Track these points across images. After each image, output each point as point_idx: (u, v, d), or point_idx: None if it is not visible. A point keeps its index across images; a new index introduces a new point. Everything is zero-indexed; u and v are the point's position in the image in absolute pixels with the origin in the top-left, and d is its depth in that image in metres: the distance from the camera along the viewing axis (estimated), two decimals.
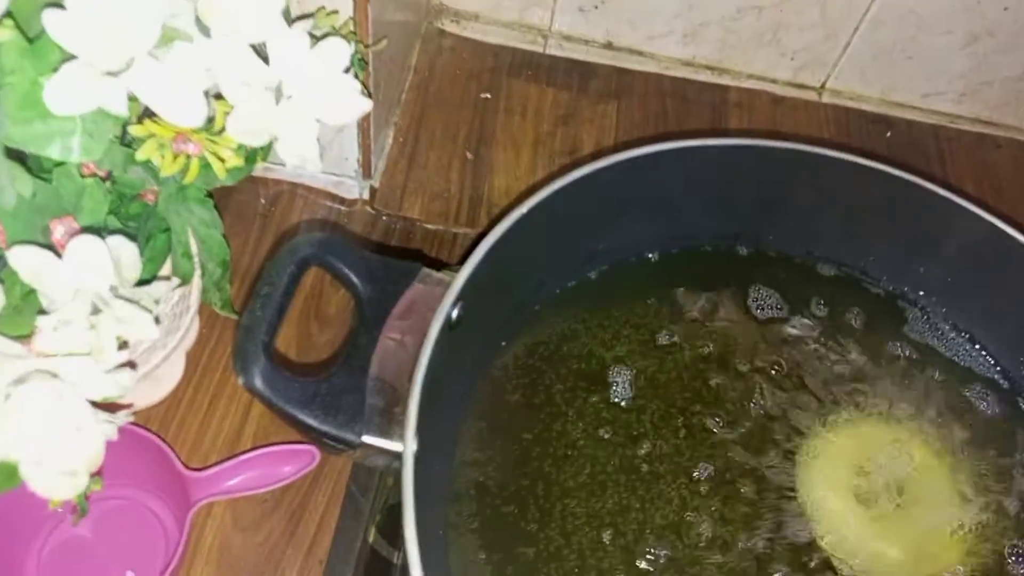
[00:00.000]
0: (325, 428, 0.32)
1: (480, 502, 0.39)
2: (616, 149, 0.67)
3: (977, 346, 0.47)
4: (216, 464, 0.46)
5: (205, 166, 0.43)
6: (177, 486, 0.44)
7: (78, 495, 0.30)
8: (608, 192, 0.43)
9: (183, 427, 0.51)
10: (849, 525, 0.40)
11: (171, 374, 0.52)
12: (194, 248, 0.46)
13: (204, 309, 0.54)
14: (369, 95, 0.41)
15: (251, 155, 0.44)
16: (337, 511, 0.49)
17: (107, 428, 0.30)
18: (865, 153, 0.45)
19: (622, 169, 0.42)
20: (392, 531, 0.47)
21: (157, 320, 0.32)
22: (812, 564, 0.39)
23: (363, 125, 0.56)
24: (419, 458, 0.33)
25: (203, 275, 0.47)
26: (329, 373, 0.34)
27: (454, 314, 0.37)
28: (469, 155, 0.63)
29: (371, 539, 0.47)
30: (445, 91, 0.66)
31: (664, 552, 0.38)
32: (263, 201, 0.60)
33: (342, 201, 0.61)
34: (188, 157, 0.41)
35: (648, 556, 0.38)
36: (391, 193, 0.61)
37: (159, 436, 0.46)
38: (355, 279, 0.36)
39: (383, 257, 0.37)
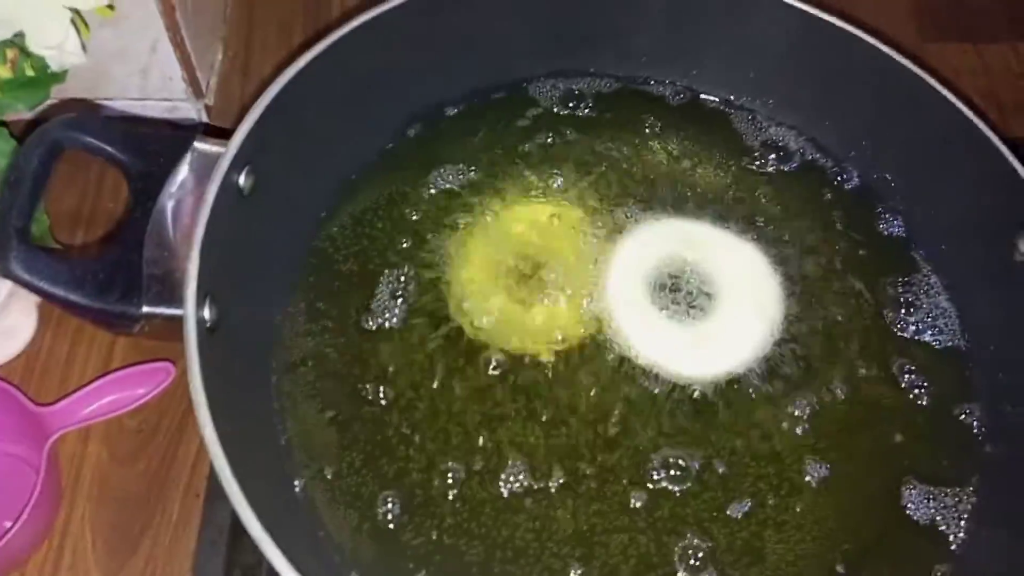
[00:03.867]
0: (99, 305, 0.31)
1: (319, 369, 0.38)
2: None
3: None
4: (66, 396, 0.45)
5: None
6: (32, 425, 0.43)
7: None
8: (404, 37, 0.41)
9: (45, 376, 0.49)
10: None
11: (24, 326, 0.50)
12: None
13: None
14: None
15: (22, 72, 0.42)
16: None
17: None
18: None
19: (417, 8, 0.40)
20: None
21: None
22: None
23: (175, 38, 0.53)
24: (220, 328, 0.32)
25: None
26: (100, 252, 0.32)
27: (242, 180, 0.35)
28: None
29: None
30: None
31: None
32: None
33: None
34: None
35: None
36: (227, 108, 0.58)
37: (16, 387, 0.44)
38: (121, 156, 0.34)
39: (153, 129, 0.35)
